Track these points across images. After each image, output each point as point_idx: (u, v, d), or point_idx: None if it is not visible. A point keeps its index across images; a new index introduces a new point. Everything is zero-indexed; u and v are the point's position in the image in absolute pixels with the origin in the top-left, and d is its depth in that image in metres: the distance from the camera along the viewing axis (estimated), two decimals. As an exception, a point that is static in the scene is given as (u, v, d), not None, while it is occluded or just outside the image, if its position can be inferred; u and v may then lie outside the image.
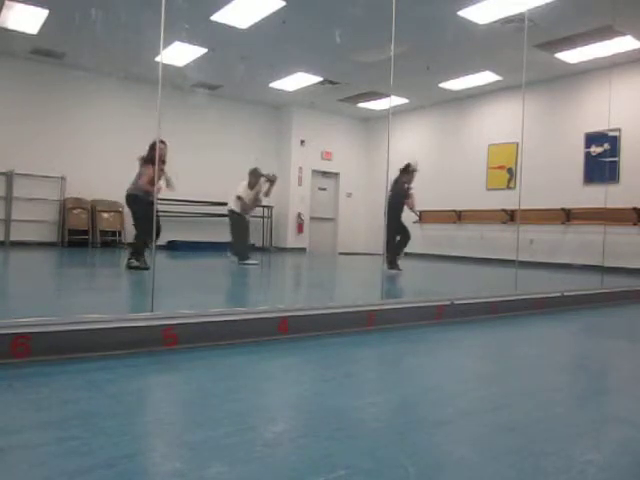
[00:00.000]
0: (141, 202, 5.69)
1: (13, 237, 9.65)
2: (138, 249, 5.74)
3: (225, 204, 11.55)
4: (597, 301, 4.65)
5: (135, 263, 5.66)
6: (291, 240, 12.65)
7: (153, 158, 5.57)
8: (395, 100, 11.33)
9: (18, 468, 1.20)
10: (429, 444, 1.44)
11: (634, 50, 8.20)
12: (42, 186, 9.96)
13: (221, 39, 8.37)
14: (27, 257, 7.89)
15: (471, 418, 1.66)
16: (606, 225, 7.94)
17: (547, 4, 6.70)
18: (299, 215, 12.74)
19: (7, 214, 9.63)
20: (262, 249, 12.33)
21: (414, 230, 11.99)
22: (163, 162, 5.84)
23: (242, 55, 9.14)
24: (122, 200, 10.36)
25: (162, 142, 5.68)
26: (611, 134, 8.87)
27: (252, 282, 6.05)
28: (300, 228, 12.76)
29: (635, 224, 8.53)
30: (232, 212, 7.44)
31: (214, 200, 11.37)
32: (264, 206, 12.40)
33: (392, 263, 6.89)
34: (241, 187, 7.45)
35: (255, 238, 12.40)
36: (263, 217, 12.47)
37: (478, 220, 10.87)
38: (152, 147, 5.64)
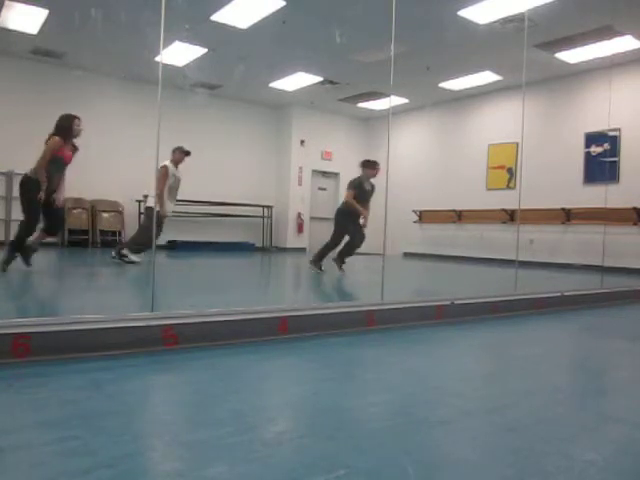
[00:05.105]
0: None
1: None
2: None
3: (225, 204, 11.66)
4: (597, 301, 4.65)
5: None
6: (291, 240, 12.65)
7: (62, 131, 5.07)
8: (395, 100, 11.33)
9: (18, 468, 1.20)
10: (429, 444, 1.44)
11: (634, 50, 8.20)
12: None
13: (221, 39, 8.37)
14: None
15: (471, 418, 1.66)
16: (606, 225, 7.94)
17: (547, 4, 6.70)
18: (299, 215, 12.74)
19: (7, 214, 9.63)
20: (262, 249, 12.34)
21: (414, 230, 12.12)
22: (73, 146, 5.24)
23: (242, 55, 9.13)
24: (122, 200, 10.56)
25: (78, 118, 5.18)
26: (611, 134, 8.87)
27: (254, 282, 6.05)
28: (300, 228, 12.76)
29: (635, 224, 8.53)
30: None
31: (214, 200, 11.38)
32: (264, 206, 12.44)
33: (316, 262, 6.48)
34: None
35: (255, 238, 12.43)
36: (263, 217, 12.48)
37: (478, 220, 10.87)
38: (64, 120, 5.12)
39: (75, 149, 5.26)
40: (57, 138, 5.05)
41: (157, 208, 6.20)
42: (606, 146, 9.01)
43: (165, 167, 6.38)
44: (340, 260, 6.54)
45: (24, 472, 1.18)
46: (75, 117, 5.20)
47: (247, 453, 1.30)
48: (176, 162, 6.57)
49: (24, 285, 4.74)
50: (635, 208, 8.49)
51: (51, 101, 10.05)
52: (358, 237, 6.46)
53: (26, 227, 5.19)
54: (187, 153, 6.62)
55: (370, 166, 6.59)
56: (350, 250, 6.56)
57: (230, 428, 1.47)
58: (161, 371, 2.10)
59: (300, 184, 12.79)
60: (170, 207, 6.54)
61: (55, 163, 5.06)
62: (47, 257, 8.01)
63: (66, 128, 5.11)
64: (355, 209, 6.36)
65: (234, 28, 7.90)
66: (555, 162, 9.64)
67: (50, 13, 7.62)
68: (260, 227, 12.48)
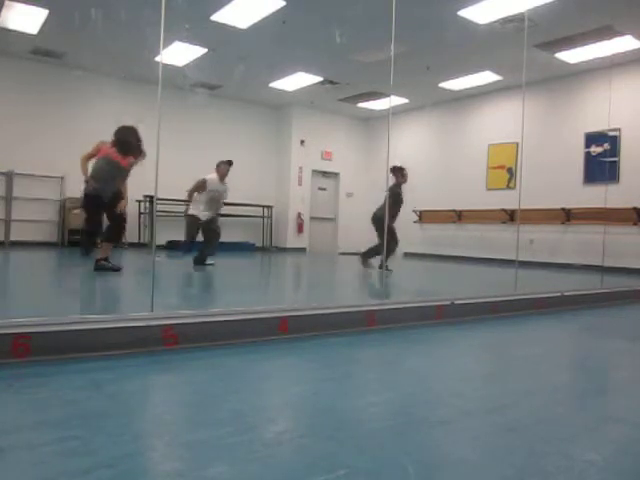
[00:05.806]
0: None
1: (13, 237, 9.65)
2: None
3: (225, 204, 11.63)
4: (597, 301, 4.65)
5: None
6: (291, 240, 12.65)
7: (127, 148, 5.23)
8: (395, 100, 11.33)
9: (18, 468, 1.20)
10: (429, 444, 1.44)
11: (634, 50, 8.20)
12: (42, 186, 9.96)
13: (221, 39, 8.37)
14: (27, 257, 7.89)
15: (471, 418, 1.66)
16: (606, 225, 7.95)
17: (547, 4, 6.70)
18: (299, 215, 12.74)
19: (7, 214, 9.63)
20: (262, 249, 12.34)
21: (414, 230, 12.11)
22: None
23: (242, 55, 9.13)
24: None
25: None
26: (611, 134, 8.87)
27: (254, 282, 6.05)
28: (300, 228, 12.76)
29: (635, 224, 8.53)
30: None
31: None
32: (264, 206, 12.45)
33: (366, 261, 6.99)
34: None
35: (255, 238, 12.43)
36: (263, 217, 12.48)
37: (478, 220, 10.87)
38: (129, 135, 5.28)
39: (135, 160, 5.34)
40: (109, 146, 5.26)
41: (191, 212, 6.64)
42: (606, 146, 9.01)
43: (203, 181, 6.67)
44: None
45: (24, 472, 1.18)
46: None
47: (247, 453, 1.30)
48: (222, 176, 6.78)
49: (24, 285, 4.73)
50: (635, 208, 8.49)
51: (51, 101, 10.07)
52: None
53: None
54: (229, 163, 6.84)
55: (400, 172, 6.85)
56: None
57: (230, 428, 1.47)
58: (161, 371, 2.10)
59: (300, 184, 12.79)
60: (206, 214, 6.66)
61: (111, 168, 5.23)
62: (47, 257, 8.02)
63: (124, 142, 5.24)
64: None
65: (234, 28, 7.90)
66: (555, 162, 9.64)
67: (50, 13, 7.62)
68: (260, 227, 12.48)
